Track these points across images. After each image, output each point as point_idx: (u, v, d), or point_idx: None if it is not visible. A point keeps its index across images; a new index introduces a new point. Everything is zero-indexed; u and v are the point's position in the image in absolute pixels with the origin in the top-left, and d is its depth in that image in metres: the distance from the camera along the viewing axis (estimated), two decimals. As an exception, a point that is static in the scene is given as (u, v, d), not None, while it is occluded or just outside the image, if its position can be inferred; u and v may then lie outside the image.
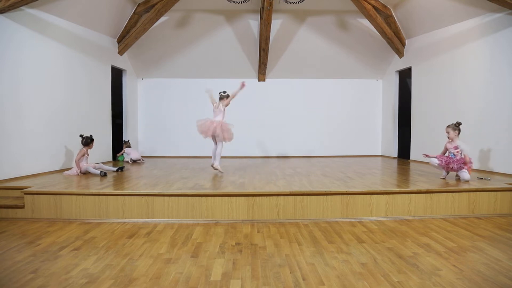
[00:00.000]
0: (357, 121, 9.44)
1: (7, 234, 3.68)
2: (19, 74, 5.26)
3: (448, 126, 5.20)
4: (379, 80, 9.45)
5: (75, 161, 5.71)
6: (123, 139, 8.51)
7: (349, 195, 4.24)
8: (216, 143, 5.78)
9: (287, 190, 4.27)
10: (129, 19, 7.67)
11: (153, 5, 7.22)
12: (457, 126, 5.16)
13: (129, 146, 8.09)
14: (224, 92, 5.99)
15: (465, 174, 4.86)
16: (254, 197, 4.18)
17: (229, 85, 9.23)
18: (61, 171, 5.99)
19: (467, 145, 5.14)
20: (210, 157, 9.00)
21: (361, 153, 9.43)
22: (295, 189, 4.34)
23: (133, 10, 7.55)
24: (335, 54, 8.73)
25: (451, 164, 5.00)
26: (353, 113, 9.43)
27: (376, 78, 9.42)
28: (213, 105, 5.92)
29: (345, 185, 4.59)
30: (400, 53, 8.32)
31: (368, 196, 4.25)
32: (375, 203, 4.25)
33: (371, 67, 9.11)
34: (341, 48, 8.64)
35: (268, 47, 8.11)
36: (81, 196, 4.21)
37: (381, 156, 9.39)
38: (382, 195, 4.26)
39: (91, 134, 6.01)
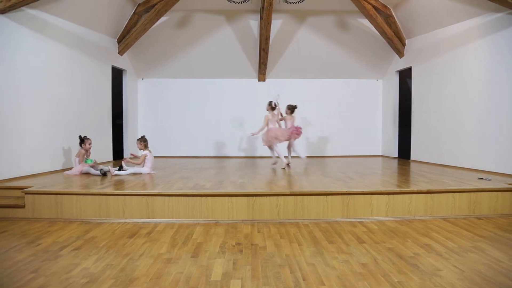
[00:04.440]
0: (357, 121, 9.44)
1: (7, 233, 3.68)
2: (19, 74, 5.26)
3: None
4: (379, 80, 9.45)
5: (77, 161, 5.72)
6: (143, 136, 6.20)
7: (349, 195, 4.23)
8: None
9: (287, 190, 4.27)
10: (129, 19, 7.67)
11: (153, 5, 7.22)
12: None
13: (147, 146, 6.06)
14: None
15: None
16: (254, 197, 4.18)
17: (229, 85, 9.28)
18: (61, 171, 6.00)
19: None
20: (210, 157, 9.06)
21: (361, 153, 9.43)
22: (296, 189, 4.34)
23: (133, 10, 7.55)
24: (335, 54, 8.73)
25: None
26: (354, 113, 9.43)
27: (376, 78, 9.41)
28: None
29: (346, 185, 4.58)
30: (400, 53, 8.32)
31: (368, 196, 4.25)
32: (375, 203, 4.24)
33: (371, 67, 9.11)
34: (341, 48, 8.64)
35: (268, 47, 8.11)
36: (81, 196, 4.21)
37: (381, 156, 9.39)
38: (382, 195, 4.26)
39: (85, 135, 5.97)
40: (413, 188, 4.39)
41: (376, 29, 7.85)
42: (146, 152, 5.77)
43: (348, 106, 9.41)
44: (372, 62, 8.99)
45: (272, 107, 6.53)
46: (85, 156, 5.81)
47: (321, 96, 9.37)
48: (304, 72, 9.18)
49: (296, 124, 6.68)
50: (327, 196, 4.22)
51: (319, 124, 9.36)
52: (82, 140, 5.79)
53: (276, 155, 6.67)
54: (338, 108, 9.40)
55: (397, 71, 8.73)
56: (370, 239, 3.46)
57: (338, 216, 4.21)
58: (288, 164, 6.65)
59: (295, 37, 8.41)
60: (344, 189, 4.33)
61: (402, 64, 8.44)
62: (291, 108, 6.65)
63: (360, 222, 4.09)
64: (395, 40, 8.00)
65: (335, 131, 9.39)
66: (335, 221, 4.14)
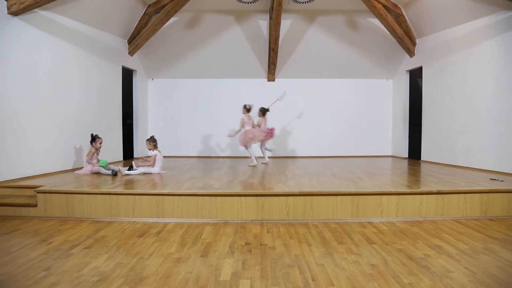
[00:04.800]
0: (367, 121, 9.38)
1: (20, 232, 3.73)
2: (32, 74, 5.34)
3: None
4: (390, 80, 9.38)
5: (86, 160, 5.78)
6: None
7: (359, 196, 4.21)
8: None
9: (296, 190, 4.26)
10: (140, 20, 7.73)
11: (163, 6, 7.27)
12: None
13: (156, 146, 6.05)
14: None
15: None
16: (263, 197, 4.18)
17: (238, 85, 9.29)
18: (72, 170, 6.07)
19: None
20: (219, 157, 9.08)
21: (371, 154, 9.37)
22: (305, 189, 4.33)
23: (144, 11, 7.61)
24: (345, 53, 8.69)
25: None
26: (363, 113, 9.38)
27: (387, 78, 9.34)
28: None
29: (355, 186, 4.56)
30: (411, 53, 8.25)
31: (378, 197, 4.21)
32: (385, 204, 4.21)
33: (381, 66, 9.04)
34: (351, 47, 8.59)
35: (278, 47, 8.11)
36: (92, 195, 4.25)
37: (391, 156, 9.32)
38: (392, 196, 4.22)
39: (97, 133, 6.03)
40: (423, 188, 4.34)
41: (386, 28, 7.79)
42: (155, 152, 5.80)
43: (358, 106, 9.36)
44: (382, 62, 8.93)
45: (247, 109, 7.02)
46: (96, 155, 5.86)
47: (331, 96, 9.33)
48: (313, 72, 9.15)
49: (268, 125, 7.15)
50: (337, 196, 4.20)
51: (329, 124, 9.33)
52: (94, 138, 5.85)
53: (250, 154, 7.15)
54: (347, 108, 9.35)
55: (407, 70, 8.65)
56: (380, 240, 3.43)
57: (347, 217, 4.18)
58: (266, 163, 7.31)
59: (304, 37, 8.39)
60: (353, 189, 4.31)
61: (412, 63, 8.36)
62: (263, 111, 7.12)
63: (370, 223, 4.06)
64: (406, 39, 7.93)
65: (345, 131, 9.35)
66: (345, 221, 4.11)
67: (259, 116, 7.11)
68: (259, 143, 7.19)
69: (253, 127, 7.03)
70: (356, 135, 9.37)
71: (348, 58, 8.78)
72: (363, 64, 8.96)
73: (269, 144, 7.44)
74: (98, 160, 5.79)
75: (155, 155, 5.77)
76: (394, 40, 8.18)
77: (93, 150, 5.82)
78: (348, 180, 5.09)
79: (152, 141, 5.88)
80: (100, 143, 5.90)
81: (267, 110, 7.15)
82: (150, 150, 5.88)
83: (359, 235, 3.59)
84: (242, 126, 6.99)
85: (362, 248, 3.20)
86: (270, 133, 7.03)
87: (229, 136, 7.28)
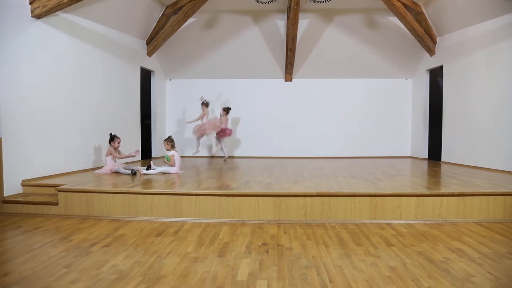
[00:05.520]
0: (386, 121, 9.26)
1: (42, 229, 3.83)
2: (55, 76, 5.47)
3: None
4: (409, 80, 9.23)
5: (105, 160, 5.89)
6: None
7: (377, 197, 4.15)
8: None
9: (314, 191, 4.24)
10: (158, 21, 7.83)
11: (181, 7, 7.34)
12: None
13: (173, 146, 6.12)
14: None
15: None
16: (281, 197, 4.17)
17: (256, 85, 9.30)
18: (92, 169, 6.19)
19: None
20: (236, 157, 9.11)
21: (390, 154, 9.24)
22: (322, 190, 4.30)
23: (162, 12, 7.69)
24: (363, 53, 8.59)
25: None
26: (382, 113, 9.26)
27: (406, 77, 9.20)
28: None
29: (374, 187, 4.51)
30: (431, 51, 8.09)
31: (397, 198, 4.15)
32: (404, 205, 4.14)
33: (400, 66, 8.90)
34: (370, 47, 8.49)
35: (295, 46, 8.07)
36: (111, 195, 4.32)
37: (410, 157, 9.17)
38: (411, 198, 4.15)
39: (115, 133, 6.14)
40: (444, 190, 4.25)
41: (405, 27, 7.66)
42: (173, 152, 5.86)
43: (376, 106, 9.25)
44: (401, 61, 8.79)
45: (205, 104, 7.75)
46: (118, 153, 5.97)
47: (349, 96, 9.25)
48: (331, 72, 9.08)
49: (229, 125, 8.16)
50: (355, 197, 4.15)
51: (347, 124, 9.25)
52: (112, 138, 5.95)
53: (199, 147, 8.02)
54: (366, 108, 9.25)
55: (427, 70, 8.49)
56: (399, 242, 3.38)
57: (366, 218, 4.13)
58: (224, 160, 8.20)
59: (322, 37, 8.33)
60: (372, 190, 4.26)
61: (433, 62, 8.20)
62: (226, 110, 7.97)
63: (389, 225, 4.00)
64: (426, 38, 7.78)
65: (363, 132, 9.25)
66: (363, 223, 4.07)
67: (222, 115, 7.97)
68: (218, 140, 8.03)
69: (214, 122, 7.82)
70: (375, 136, 9.26)
71: (366, 57, 8.68)
72: (382, 64, 8.84)
73: (227, 149, 8.27)
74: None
75: (173, 155, 5.83)
76: (413, 38, 8.03)
77: (111, 149, 5.92)
78: (366, 181, 5.03)
79: (170, 141, 5.95)
80: (119, 143, 6.00)
81: (229, 108, 8.03)
82: (167, 150, 5.94)
83: (377, 237, 3.54)
84: (201, 118, 7.72)
85: (380, 250, 3.15)
86: (228, 132, 7.97)
87: (187, 122, 8.08)
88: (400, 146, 9.31)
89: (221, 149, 8.16)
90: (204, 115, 7.69)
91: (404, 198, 4.15)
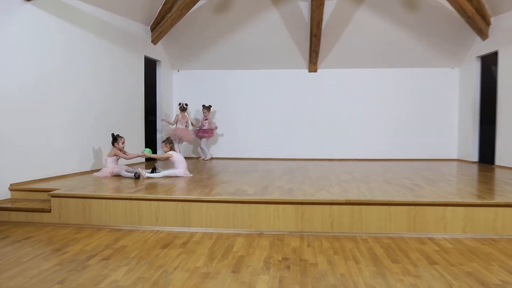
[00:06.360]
0: (427, 118, 9.13)
1: (33, 240, 3.90)
2: (46, 66, 5.55)
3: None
4: (455, 69, 9.07)
5: (107, 161, 5.97)
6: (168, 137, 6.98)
7: (417, 206, 4.09)
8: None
9: (342, 198, 4.20)
10: (164, 4, 7.89)
11: (191, -13, 7.38)
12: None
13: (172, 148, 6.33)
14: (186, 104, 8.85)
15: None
16: (304, 205, 4.14)
17: (275, 77, 9.29)
18: (90, 172, 6.29)
19: None
20: (253, 159, 9.12)
21: (431, 157, 9.12)
22: (352, 197, 4.26)
23: (168, -6, 7.76)
24: (400, 38, 8.48)
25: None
26: (422, 109, 9.14)
27: (452, 66, 9.05)
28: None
29: (412, 194, 4.44)
30: (483, 35, 7.92)
31: (441, 208, 4.08)
32: (449, 216, 4.06)
33: (445, 53, 8.75)
34: (408, 31, 8.37)
35: (321, 32, 8.03)
36: (111, 201, 4.38)
37: (456, 160, 9.03)
38: (458, 207, 4.07)
39: (118, 133, 6.20)
40: (499, 199, 4.15)
41: (452, 6, 7.50)
42: (171, 152, 5.95)
43: (416, 101, 9.13)
44: (446, 47, 8.64)
45: (181, 108, 8.70)
46: (124, 153, 6.05)
47: (383, 89, 9.16)
48: (362, 61, 9.01)
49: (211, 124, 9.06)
50: (390, 206, 4.10)
51: (381, 122, 9.17)
52: (115, 138, 6.02)
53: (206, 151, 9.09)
54: (403, 103, 9.15)
55: (478, 57, 8.34)
56: (444, 260, 3.31)
57: (403, 231, 4.08)
58: (208, 159, 9.03)
59: (352, 20, 8.26)
60: (410, 198, 4.20)
61: (485, 48, 8.03)
62: (208, 108, 8.97)
63: (431, 239, 3.93)
64: (477, 18, 7.60)
65: (400, 130, 9.15)
66: (400, 236, 4.01)
67: (204, 114, 8.93)
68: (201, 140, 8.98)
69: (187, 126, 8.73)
70: (414, 135, 9.14)
71: (404, 43, 8.57)
72: (423, 51, 8.71)
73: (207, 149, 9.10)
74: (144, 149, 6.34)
75: (170, 155, 5.92)
76: (461, 19, 7.87)
77: (116, 151, 5.99)
78: (403, 187, 4.97)
79: (169, 143, 6.08)
80: (123, 143, 6.08)
81: (210, 106, 8.98)
82: (166, 152, 6.04)
83: (417, 253, 3.49)
84: (175, 122, 8.70)
85: (421, 269, 3.10)
86: (209, 132, 8.97)
87: (162, 120, 8.85)
88: (444, 147, 9.17)
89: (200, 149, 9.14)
90: (177, 120, 8.66)
91: (450, 208, 4.07)
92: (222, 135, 9.49)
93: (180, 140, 8.68)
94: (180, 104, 8.75)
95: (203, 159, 8.97)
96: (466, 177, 6.08)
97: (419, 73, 9.11)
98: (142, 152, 6.27)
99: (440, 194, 4.47)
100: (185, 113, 8.76)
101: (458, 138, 9.12)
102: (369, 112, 9.17)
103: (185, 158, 6.62)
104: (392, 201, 4.13)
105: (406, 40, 8.51)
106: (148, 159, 8.40)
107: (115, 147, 6.01)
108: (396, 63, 9.01)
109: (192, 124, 8.94)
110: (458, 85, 9.09)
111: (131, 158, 6.28)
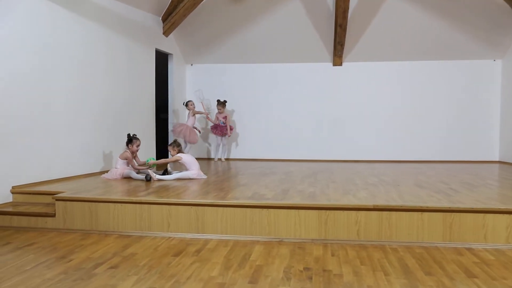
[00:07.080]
0: (465, 116, 9.02)
1: (36, 246, 3.97)
2: (51, 60, 5.62)
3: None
4: (498, 61, 8.94)
5: (117, 162, 6.04)
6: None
7: (453, 213, 4.04)
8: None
9: (370, 203, 4.18)
10: (177, -7, 7.95)
11: (205, -25, 7.41)
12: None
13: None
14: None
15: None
16: (327, 211, 4.13)
17: (296, 71, 9.27)
18: (98, 174, 6.38)
19: None
20: (272, 160, 9.12)
21: (470, 158, 9.01)
22: (381, 202, 4.23)
23: (181, -19, 7.81)
24: (434, 28, 8.39)
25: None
26: (460, 105, 9.03)
27: (494, 57, 8.92)
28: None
29: (448, 200, 4.39)
30: (528, 23, 7.77)
31: (481, 215, 4.01)
32: (491, 225, 4.00)
33: (486, 43, 8.62)
34: (444, 19, 8.26)
35: (346, 22, 7.99)
36: (120, 204, 4.43)
37: (499, 162, 8.91)
38: (501, 215, 4.00)
39: (132, 132, 6.27)
40: (545, 205, 4.06)
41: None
42: (180, 154, 5.99)
43: (452, 96, 9.03)
44: (487, 37, 8.51)
45: (220, 104, 8.87)
46: (134, 158, 6.12)
47: (415, 84, 9.09)
48: (392, 54, 8.94)
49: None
50: (423, 212, 4.06)
51: (413, 119, 9.09)
52: (130, 139, 6.07)
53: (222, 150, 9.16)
54: (438, 99, 9.05)
55: (523, 48, 8.20)
56: (484, 273, 3.26)
57: (438, 240, 4.03)
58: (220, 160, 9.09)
59: (381, 9, 8.19)
60: (446, 204, 4.15)
61: (529, 38, 7.88)
62: (224, 103, 8.90)
63: (469, 250, 3.87)
64: (523, 3, 7.45)
65: (435, 129, 9.06)
66: (434, 246, 3.97)
67: (219, 110, 8.93)
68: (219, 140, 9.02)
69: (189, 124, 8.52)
70: (450, 134, 9.04)
71: (439, 33, 8.47)
72: (460, 41, 8.59)
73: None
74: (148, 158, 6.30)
75: (179, 157, 5.95)
76: (506, 5, 7.71)
77: (128, 154, 6.03)
78: (438, 192, 4.91)
79: (176, 146, 6.10)
80: (138, 146, 6.12)
81: (225, 101, 8.94)
82: (173, 156, 6.08)
83: (453, 265, 3.44)
84: (216, 120, 8.92)
85: (458, 283, 3.05)
86: (221, 129, 8.88)
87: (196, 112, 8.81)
88: (485, 147, 9.06)
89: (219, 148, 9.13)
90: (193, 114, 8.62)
91: (491, 215, 4.01)
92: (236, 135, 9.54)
93: (180, 136, 8.39)
94: (184, 103, 8.70)
95: (219, 159, 9.05)
96: (509, 181, 6.00)
97: (456, 65, 9.00)
98: (147, 162, 6.14)
99: (479, 199, 4.41)
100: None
101: (500, 138, 8.99)
102: (398, 109, 9.09)
103: (197, 159, 6.58)
104: (426, 207, 4.09)
105: (442, 29, 8.40)
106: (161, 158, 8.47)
107: (129, 148, 6.07)
108: (430, 55, 8.91)
109: (210, 120, 8.95)
110: (501, 79, 8.95)
111: (137, 168, 6.13)
